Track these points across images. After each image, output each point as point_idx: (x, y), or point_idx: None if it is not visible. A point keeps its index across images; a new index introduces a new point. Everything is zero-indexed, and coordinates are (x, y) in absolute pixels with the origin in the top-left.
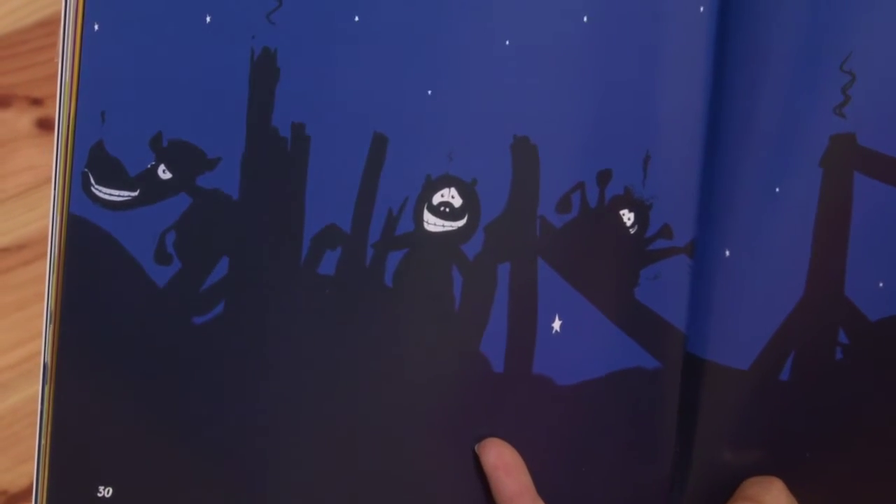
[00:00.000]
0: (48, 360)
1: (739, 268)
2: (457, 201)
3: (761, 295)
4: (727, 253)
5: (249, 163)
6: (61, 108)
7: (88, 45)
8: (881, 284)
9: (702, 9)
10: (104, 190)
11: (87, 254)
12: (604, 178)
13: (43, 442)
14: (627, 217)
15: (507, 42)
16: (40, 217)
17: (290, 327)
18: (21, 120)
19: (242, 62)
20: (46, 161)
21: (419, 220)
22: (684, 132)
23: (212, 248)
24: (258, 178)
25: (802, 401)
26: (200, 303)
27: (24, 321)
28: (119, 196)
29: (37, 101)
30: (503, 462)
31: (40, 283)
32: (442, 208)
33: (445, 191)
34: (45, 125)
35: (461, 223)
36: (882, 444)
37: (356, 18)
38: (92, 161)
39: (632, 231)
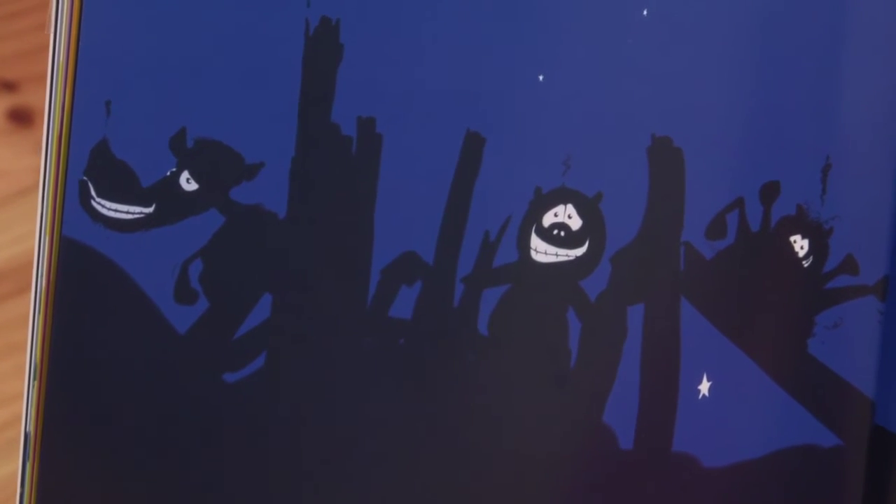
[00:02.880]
0: (31, 429)
1: None
2: (575, 223)
3: None
4: None
5: (301, 170)
6: (53, 95)
7: (91, 11)
8: None
9: None
10: (108, 205)
11: (84, 289)
12: (770, 192)
13: None
14: (800, 245)
15: (645, 12)
16: (18, 240)
17: (352, 388)
18: None
19: (294, 36)
20: (23, 165)
21: (525, 247)
22: (876, 132)
23: (250, 283)
24: (312, 191)
25: None
26: (234, 355)
27: None
28: (128, 213)
29: (9, 86)
30: None
31: (20, 328)
32: (555, 232)
33: (560, 208)
34: (19, 117)
35: (580, 251)
36: None
37: None
38: (92, 166)
39: (805, 263)
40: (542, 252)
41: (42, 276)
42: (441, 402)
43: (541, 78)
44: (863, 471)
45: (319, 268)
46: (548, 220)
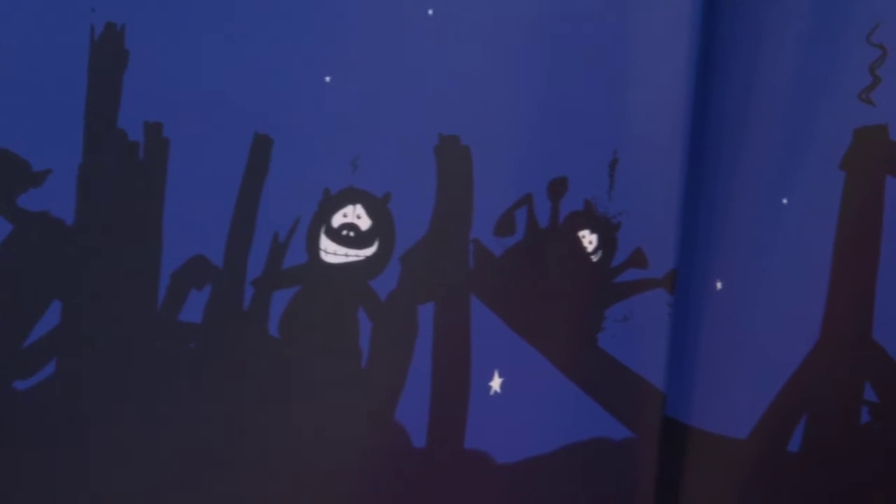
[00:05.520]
0: None
1: (734, 304)
2: (364, 223)
3: (763, 340)
4: (718, 285)
5: (88, 176)
6: None
7: None
8: None
9: None
10: None
11: None
12: (557, 188)
13: None
14: (589, 240)
15: (431, 11)
16: None
17: (143, 393)
18: None
19: (79, 42)
20: None
21: (314, 248)
22: (662, 128)
23: (39, 290)
24: (100, 197)
25: (817, 477)
26: (24, 362)
27: None
28: None
29: None
30: None
31: None
32: (344, 232)
33: (349, 209)
34: None
35: (370, 251)
36: None
37: None
38: None
39: (594, 258)
40: (332, 253)
41: None
42: (233, 403)
43: (327, 79)
44: (655, 461)
45: (109, 273)
46: (337, 220)
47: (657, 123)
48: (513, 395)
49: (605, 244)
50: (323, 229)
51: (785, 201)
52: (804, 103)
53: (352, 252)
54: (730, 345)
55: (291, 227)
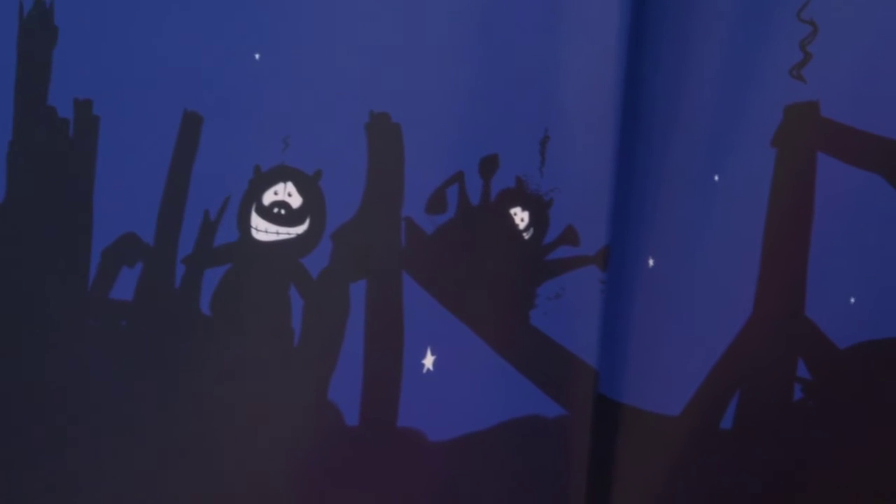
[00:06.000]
0: None
1: (667, 281)
2: (295, 200)
3: (696, 317)
4: (651, 262)
5: (17, 153)
6: None
7: None
8: (852, 300)
9: None
10: None
11: None
12: (489, 165)
13: None
14: (521, 217)
15: None
16: None
17: (73, 373)
18: None
19: (7, 19)
20: None
21: (245, 226)
22: (593, 105)
23: None
24: (29, 174)
25: (750, 454)
26: None
27: None
28: None
29: None
30: None
31: None
32: (275, 210)
33: (280, 186)
34: None
35: (301, 229)
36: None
37: None
38: None
39: (526, 235)
40: (263, 231)
41: None
42: (165, 382)
43: (257, 56)
44: (588, 438)
45: (39, 251)
46: (268, 198)
47: (588, 100)
48: (445, 373)
49: (537, 221)
50: (254, 207)
51: (716, 178)
52: (735, 80)
53: (283, 230)
54: (662, 322)
55: (222, 204)
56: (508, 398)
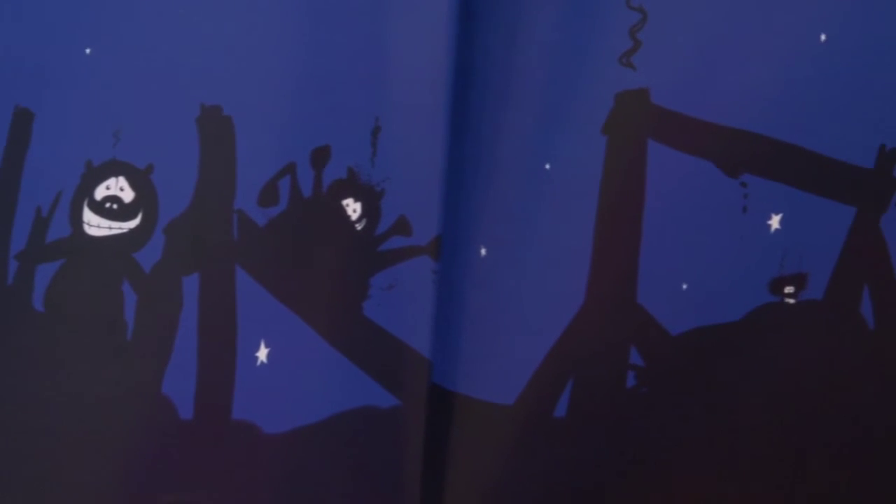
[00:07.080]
0: None
1: (499, 271)
2: (127, 195)
3: (528, 305)
4: (483, 252)
5: None
6: None
7: None
8: (685, 287)
9: None
10: None
11: None
12: (320, 157)
13: None
14: (353, 208)
15: None
16: None
17: None
18: None
19: None
20: None
21: (77, 220)
22: (424, 94)
23: None
24: None
25: (583, 442)
26: None
27: None
28: None
29: None
30: None
31: None
32: (107, 205)
33: (112, 181)
34: None
35: (133, 223)
36: (684, 490)
37: None
38: None
39: (358, 226)
40: (96, 225)
41: None
42: None
43: (88, 51)
44: (422, 428)
45: None
46: (100, 193)
47: (419, 90)
48: (280, 365)
49: (369, 212)
50: (86, 202)
51: (548, 167)
52: (566, 68)
53: (115, 224)
54: (495, 311)
55: (54, 200)
56: (343, 389)
